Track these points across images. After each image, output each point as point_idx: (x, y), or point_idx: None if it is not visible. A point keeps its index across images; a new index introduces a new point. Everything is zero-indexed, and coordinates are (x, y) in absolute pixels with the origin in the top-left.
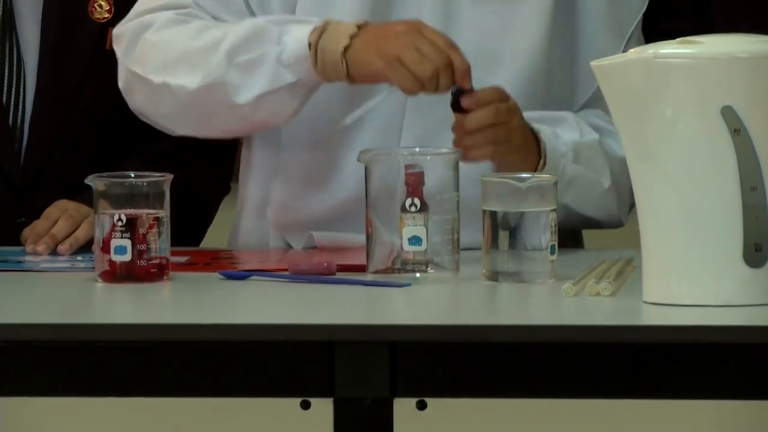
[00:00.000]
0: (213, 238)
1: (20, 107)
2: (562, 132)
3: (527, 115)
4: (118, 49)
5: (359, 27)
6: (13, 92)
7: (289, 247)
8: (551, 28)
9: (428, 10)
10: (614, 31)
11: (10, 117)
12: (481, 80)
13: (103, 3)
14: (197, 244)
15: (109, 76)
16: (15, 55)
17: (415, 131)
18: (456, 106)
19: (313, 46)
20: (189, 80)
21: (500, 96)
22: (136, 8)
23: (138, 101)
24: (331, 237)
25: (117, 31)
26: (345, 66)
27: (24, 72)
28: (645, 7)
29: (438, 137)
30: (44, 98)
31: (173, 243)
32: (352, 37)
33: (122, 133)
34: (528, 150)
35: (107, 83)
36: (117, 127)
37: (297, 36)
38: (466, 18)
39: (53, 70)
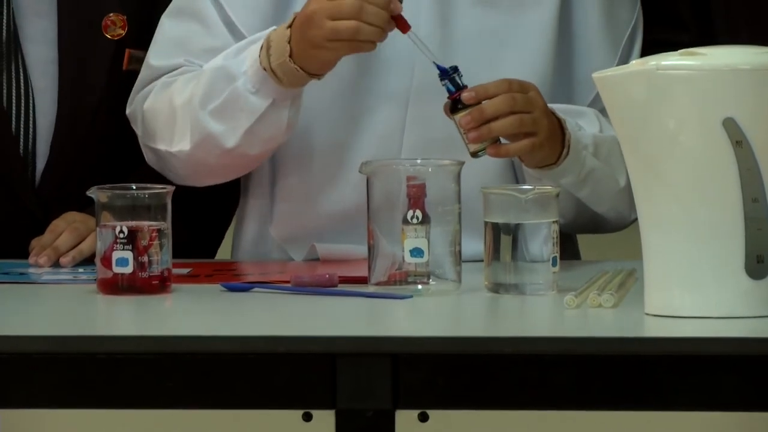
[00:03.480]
0: (223, 251)
1: (30, 133)
2: (583, 124)
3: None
4: (136, 129)
5: (290, 27)
6: (22, 119)
7: (291, 259)
8: (553, 37)
9: (425, 15)
10: (609, 42)
11: (21, 145)
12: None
13: (116, 20)
14: (213, 254)
15: (125, 96)
16: (22, 79)
17: (415, 146)
18: (455, 108)
19: (268, 67)
20: (183, 143)
21: (512, 86)
22: (138, 79)
23: (164, 171)
24: (334, 249)
25: (129, 111)
26: (301, 70)
27: (33, 96)
28: (635, 17)
29: (438, 152)
30: (66, 121)
31: (187, 254)
32: (289, 42)
33: (138, 154)
34: (554, 142)
35: (123, 103)
36: (132, 148)
37: (251, 62)
38: (465, 25)
39: (74, 91)
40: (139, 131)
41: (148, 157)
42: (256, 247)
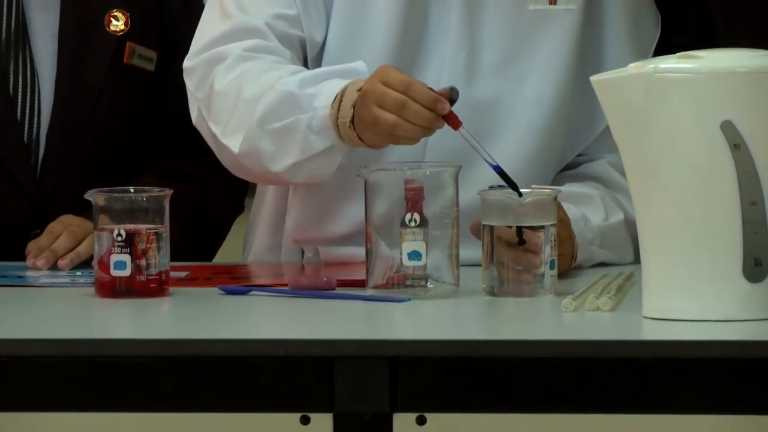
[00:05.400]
0: (222, 253)
1: (35, 121)
2: (589, 213)
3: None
4: (190, 83)
5: (359, 90)
6: (27, 107)
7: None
8: (576, 51)
9: (455, 24)
10: (637, 55)
11: (26, 132)
12: (506, 100)
13: (119, 15)
14: (209, 261)
15: (126, 90)
16: (29, 69)
17: (438, 158)
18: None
19: (334, 121)
20: (233, 143)
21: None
22: (206, 36)
23: (205, 138)
24: (337, 252)
25: (188, 64)
26: (358, 138)
27: (39, 86)
28: (659, 31)
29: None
30: (61, 112)
31: (184, 259)
32: (353, 107)
33: (138, 147)
34: (569, 255)
35: (123, 97)
36: (132, 142)
37: (323, 104)
38: (489, 37)
39: (70, 84)
40: (192, 86)
41: (195, 116)
42: (267, 251)
